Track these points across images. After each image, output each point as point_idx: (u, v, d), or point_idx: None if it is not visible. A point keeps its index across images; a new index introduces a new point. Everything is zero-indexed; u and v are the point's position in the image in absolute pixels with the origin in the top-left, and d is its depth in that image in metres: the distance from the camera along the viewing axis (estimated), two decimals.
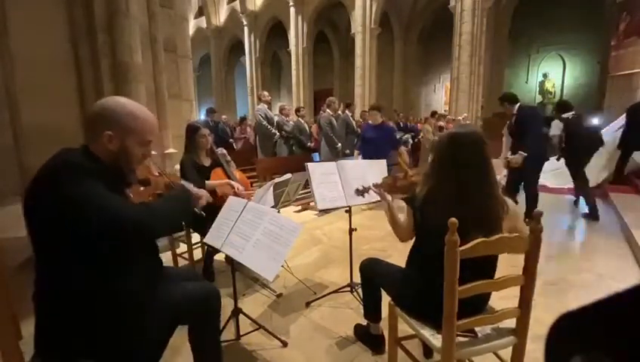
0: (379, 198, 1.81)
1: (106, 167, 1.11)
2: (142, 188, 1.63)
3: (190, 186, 1.43)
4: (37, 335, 1.04)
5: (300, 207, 4.85)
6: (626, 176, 5.48)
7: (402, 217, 1.56)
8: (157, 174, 1.89)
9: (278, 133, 5.99)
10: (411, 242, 1.50)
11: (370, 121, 4.94)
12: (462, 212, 1.16)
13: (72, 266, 1.00)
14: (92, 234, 0.97)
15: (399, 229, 1.55)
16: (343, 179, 2.29)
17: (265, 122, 5.94)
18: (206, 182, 2.63)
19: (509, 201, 1.34)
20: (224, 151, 3.03)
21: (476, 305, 1.31)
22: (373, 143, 4.56)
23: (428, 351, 1.78)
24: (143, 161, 1.25)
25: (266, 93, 6.31)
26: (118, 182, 1.19)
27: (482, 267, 1.25)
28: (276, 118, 6.24)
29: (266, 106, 6.08)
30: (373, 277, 1.68)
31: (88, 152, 1.11)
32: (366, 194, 1.87)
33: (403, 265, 1.55)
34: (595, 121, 7.65)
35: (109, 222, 0.96)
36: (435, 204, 1.31)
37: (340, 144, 5.73)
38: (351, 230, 2.49)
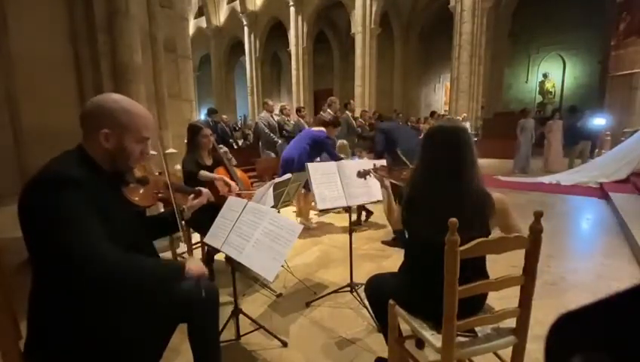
0: (378, 198, 1.82)
1: (100, 171, 1.10)
2: (142, 190, 1.63)
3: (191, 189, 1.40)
4: (29, 333, 1.03)
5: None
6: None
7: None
8: (157, 173, 1.89)
9: (279, 142, 6.12)
10: None
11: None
12: (443, 211, 1.13)
13: (60, 273, 0.99)
14: (60, 262, 0.95)
15: (391, 216, 1.56)
16: (343, 179, 2.29)
17: (267, 130, 6.10)
18: (200, 172, 2.62)
19: (497, 197, 1.30)
20: (226, 149, 3.05)
21: (474, 305, 1.30)
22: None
23: (420, 342, 1.78)
24: (142, 160, 1.23)
25: (270, 102, 6.51)
26: (114, 182, 1.18)
27: (475, 265, 1.24)
28: (277, 118, 6.34)
29: (268, 115, 6.25)
30: (382, 288, 1.54)
31: (84, 154, 1.09)
32: (367, 178, 1.92)
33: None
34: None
35: (76, 255, 0.92)
36: (417, 203, 1.31)
37: None
38: (351, 230, 2.49)
